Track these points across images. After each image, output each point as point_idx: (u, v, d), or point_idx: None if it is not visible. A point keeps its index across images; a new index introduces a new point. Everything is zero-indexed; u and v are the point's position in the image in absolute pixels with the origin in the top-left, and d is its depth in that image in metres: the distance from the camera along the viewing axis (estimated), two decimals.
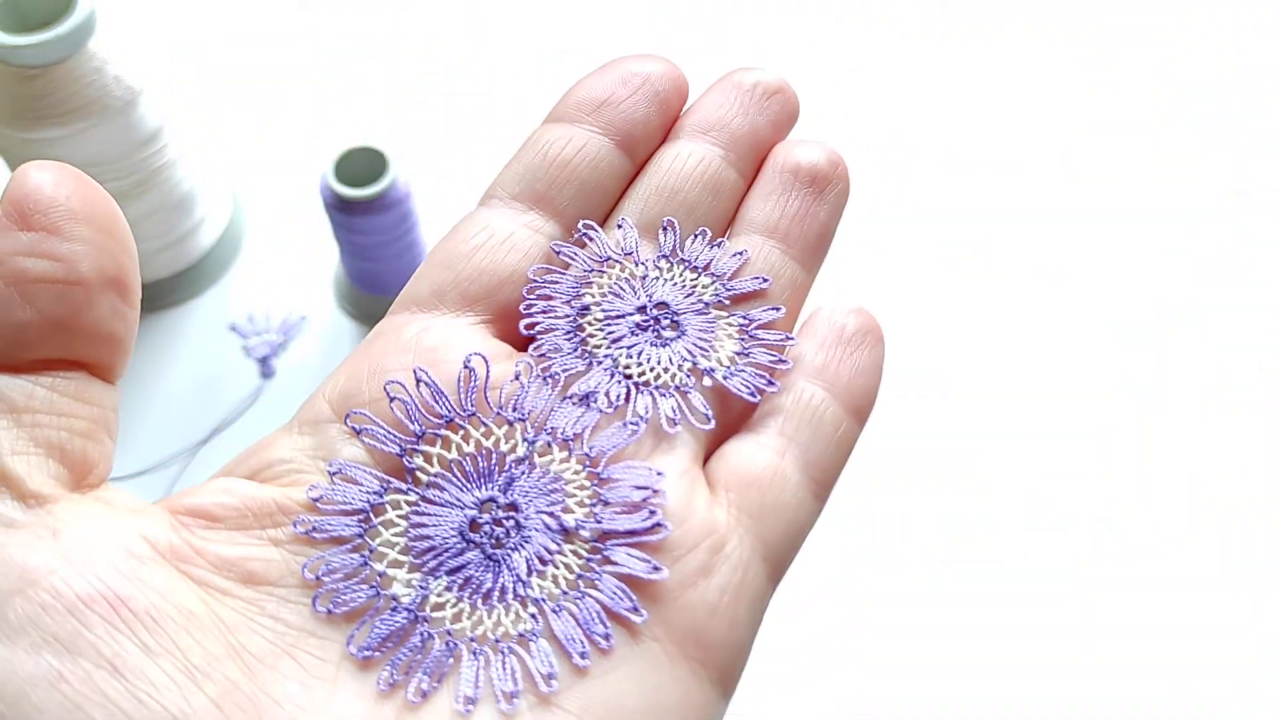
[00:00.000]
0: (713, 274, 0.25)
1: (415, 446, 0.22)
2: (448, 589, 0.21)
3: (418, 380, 0.22)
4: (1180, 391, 0.60)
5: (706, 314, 0.25)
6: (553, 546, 0.21)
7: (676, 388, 0.23)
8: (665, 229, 0.25)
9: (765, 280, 0.25)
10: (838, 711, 0.50)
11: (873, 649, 0.52)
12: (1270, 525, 0.56)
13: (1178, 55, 0.74)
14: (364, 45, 0.71)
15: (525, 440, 0.22)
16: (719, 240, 0.25)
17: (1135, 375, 0.60)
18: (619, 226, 0.25)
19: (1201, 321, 0.63)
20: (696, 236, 0.25)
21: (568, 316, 0.24)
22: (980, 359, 0.61)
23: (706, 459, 0.23)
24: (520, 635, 0.20)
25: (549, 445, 0.22)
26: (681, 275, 0.25)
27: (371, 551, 0.21)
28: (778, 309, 0.25)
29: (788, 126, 0.27)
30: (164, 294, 0.61)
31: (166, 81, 0.52)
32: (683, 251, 0.25)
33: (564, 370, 0.23)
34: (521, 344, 0.24)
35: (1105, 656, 0.52)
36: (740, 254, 0.25)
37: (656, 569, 0.20)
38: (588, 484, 0.22)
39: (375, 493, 0.21)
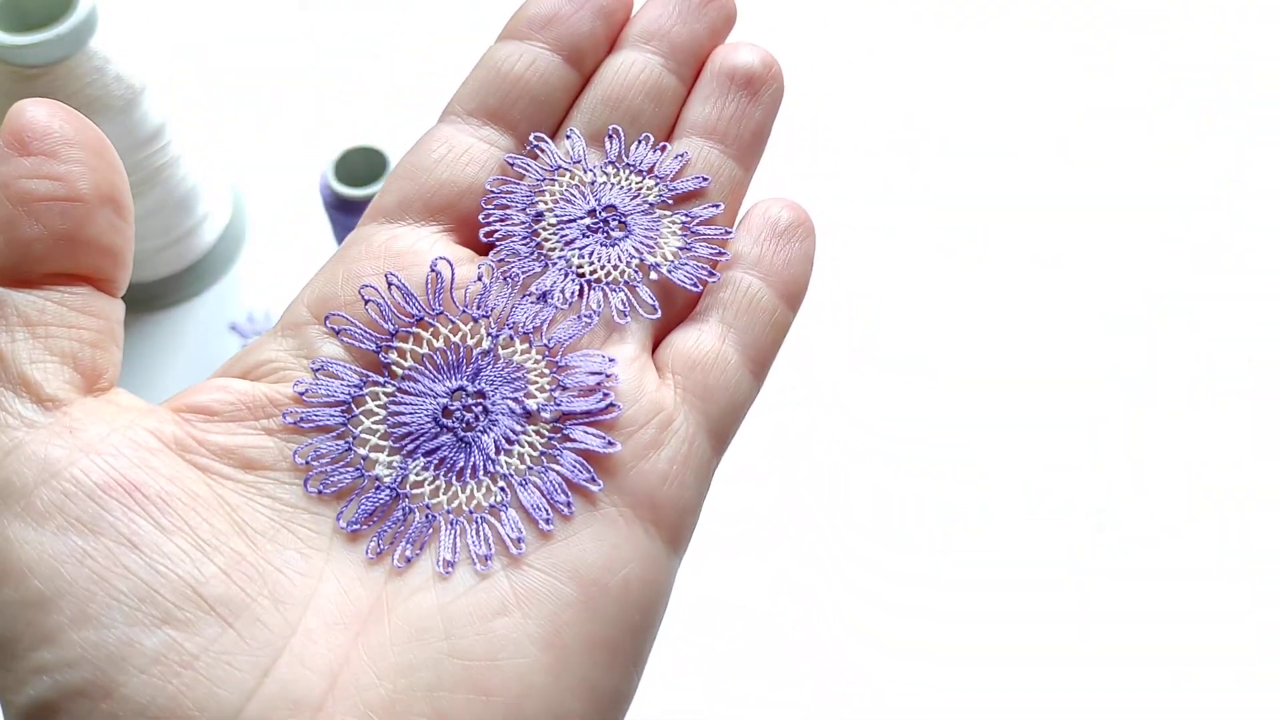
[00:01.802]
0: (656, 176, 0.27)
1: (390, 343, 0.24)
2: (425, 469, 0.23)
3: (389, 283, 0.24)
4: (1177, 381, 0.60)
5: (651, 214, 0.27)
6: (517, 428, 0.24)
7: (625, 283, 0.26)
8: (611, 137, 0.27)
9: (705, 179, 0.27)
10: (837, 699, 0.51)
11: (870, 638, 0.53)
12: (1264, 514, 0.56)
13: (1174, 42, 0.73)
14: (364, 45, 0.71)
15: (489, 335, 0.24)
16: (661, 144, 0.27)
17: (1132, 364, 0.61)
18: (568, 137, 0.27)
19: (1198, 310, 0.63)
20: (640, 142, 0.27)
21: (523, 223, 0.26)
22: (977, 348, 0.61)
23: (655, 347, 0.25)
24: (491, 506, 0.23)
25: (511, 339, 0.24)
26: (627, 179, 0.27)
27: (354, 438, 0.23)
28: (717, 206, 0.27)
29: (725, 32, 0.29)
30: (164, 293, 0.60)
31: (167, 80, 0.52)
32: (628, 157, 0.27)
33: (522, 272, 0.25)
34: (482, 250, 0.26)
35: (1101, 645, 0.53)
36: (681, 156, 0.27)
37: (611, 444, 0.23)
38: (547, 372, 0.24)
39: (355, 385, 0.23)
